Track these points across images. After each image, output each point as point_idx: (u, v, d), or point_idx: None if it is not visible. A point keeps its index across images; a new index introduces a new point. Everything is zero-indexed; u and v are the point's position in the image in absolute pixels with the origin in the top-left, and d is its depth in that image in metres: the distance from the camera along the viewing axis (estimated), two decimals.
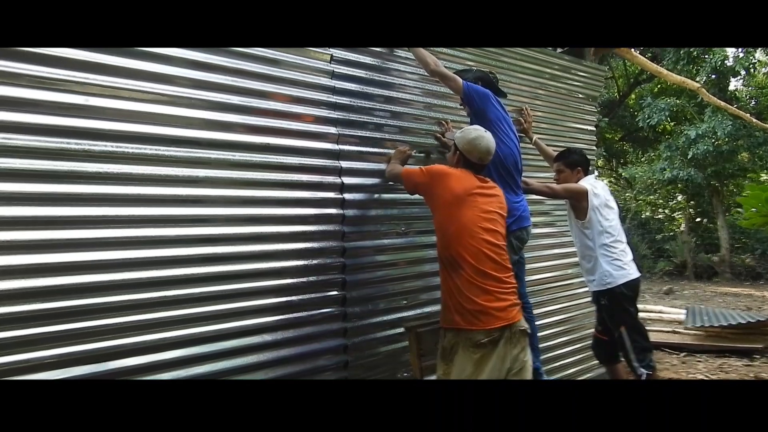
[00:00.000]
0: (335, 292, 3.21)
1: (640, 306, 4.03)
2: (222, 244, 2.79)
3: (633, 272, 3.94)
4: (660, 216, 17.13)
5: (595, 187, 3.93)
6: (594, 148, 5.34)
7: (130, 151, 2.48)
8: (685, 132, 13.02)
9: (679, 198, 16.35)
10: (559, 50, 5.61)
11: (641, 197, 16.53)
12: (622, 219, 14.87)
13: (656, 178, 14.11)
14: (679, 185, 14.40)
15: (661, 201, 16.94)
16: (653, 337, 4.97)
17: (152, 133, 2.56)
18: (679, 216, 16.72)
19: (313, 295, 3.11)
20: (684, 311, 7.88)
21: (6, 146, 2.17)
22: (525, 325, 2.86)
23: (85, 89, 2.38)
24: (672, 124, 15.13)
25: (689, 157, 12.86)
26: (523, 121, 4.43)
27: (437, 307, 3.40)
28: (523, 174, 3.64)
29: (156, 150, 2.56)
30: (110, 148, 2.42)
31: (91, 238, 2.38)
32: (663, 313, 7.97)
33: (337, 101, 3.26)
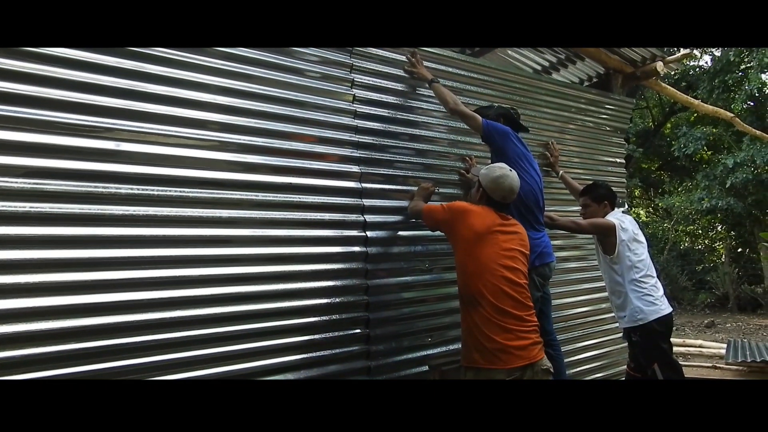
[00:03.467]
0: (359, 330, 3.21)
1: (679, 340, 3.95)
2: (246, 283, 2.83)
3: (665, 308, 3.85)
4: (700, 246, 16.71)
5: (623, 221, 3.87)
6: (623, 180, 5.28)
7: (156, 193, 2.56)
8: (723, 161, 12.76)
9: (719, 228, 15.95)
10: (586, 84, 5.61)
11: (680, 227, 16.18)
12: (661, 250, 14.64)
13: (694, 208, 13.81)
14: (719, 215, 14.06)
15: (700, 231, 16.55)
16: (693, 373, 4.83)
17: (178, 175, 2.64)
18: (720, 246, 16.30)
19: (336, 333, 3.12)
20: (725, 345, 7.62)
21: (38, 191, 2.27)
22: (548, 364, 2.82)
23: (116, 135, 2.47)
24: (709, 152, 14.86)
25: (728, 186, 12.57)
26: (549, 155, 4.42)
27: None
28: (551, 208, 3.63)
29: (181, 192, 2.63)
30: (137, 191, 2.50)
31: (118, 278, 2.45)
32: (703, 348, 7.72)
33: (360, 140, 3.31)
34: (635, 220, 4.14)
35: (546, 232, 3.56)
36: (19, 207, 2.22)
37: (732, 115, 6.86)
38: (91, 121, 2.42)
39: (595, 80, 5.63)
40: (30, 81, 2.29)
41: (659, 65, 5.15)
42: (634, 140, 15.02)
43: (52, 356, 2.26)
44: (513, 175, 2.97)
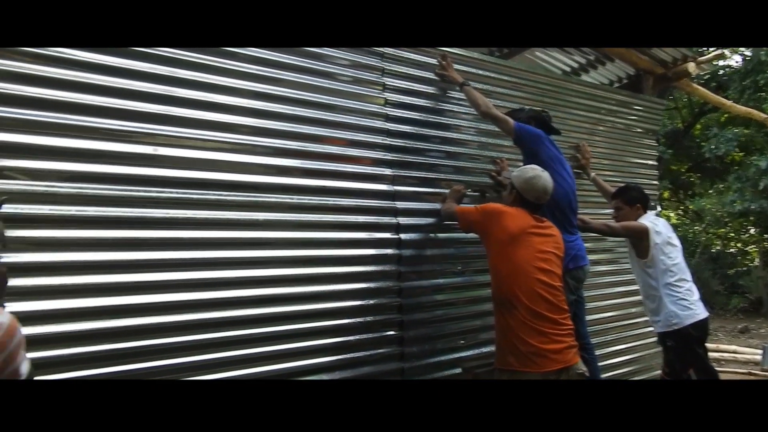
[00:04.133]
0: (392, 332, 3.23)
1: (712, 345, 3.87)
2: (280, 285, 2.86)
3: (700, 312, 3.79)
4: (732, 250, 16.39)
5: (656, 224, 3.82)
6: (656, 182, 5.22)
7: (194, 197, 2.60)
8: (756, 162, 12.51)
9: (752, 231, 15.63)
10: (616, 85, 5.56)
11: (711, 230, 15.89)
12: (692, 253, 14.38)
13: (726, 211, 13.55)
14: (752, 218, 13.78)
15: (732, 234, 16.23)
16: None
17: (214, 179, 2.68)
18: (753, 249, 15.97)
19: (370, 335, 3.14)
20: (761, 351, 7.48)
21: (82, 195, 2.32)
22: (583, 368, 2.81)
23: (153, 140, 2.53)
24: (741, 154, 14.57)
25: (760, 188, 12.32)
26: (580, 157, 4.39)
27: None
28: (583, 211, 3.60)
29: (218, 195, 2.68)
30: (175, 195, 2.55)
31: (156, 281, 2.50)
32: (737, 354, 7.59)
33: (392, 143, 3.33)
34: (668, 223, 4.09)
35: (579, 235, 3.53)
36: (65, 210, 2.28)
37: (766, 116, 6.74)
38: (131, 127, 2.47)
39: (625, 81, 5.59)
40: (72, 88, 2.35)
41: (691, 66, 5.09)
42: (664, 141, 14.78)
43: (95, 356, 2.31)
44: (546, 175, 2.96)
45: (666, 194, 17.42)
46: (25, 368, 1.69)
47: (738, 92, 12.96)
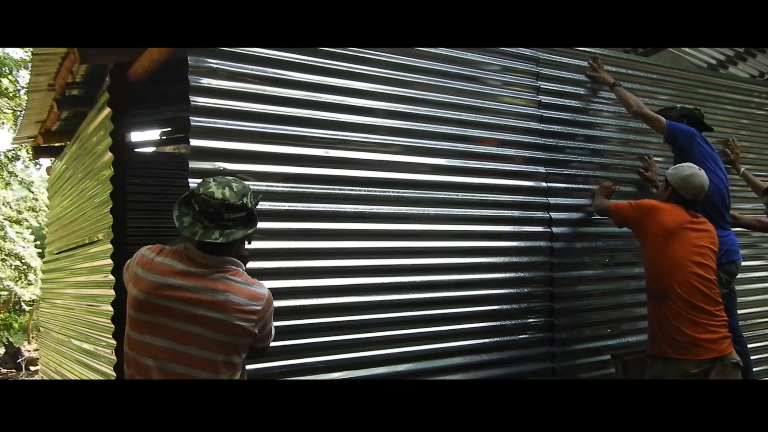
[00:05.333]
0: (544, 319, 3.48)
1: None
2: (441, 273, 3.19)
3: None
4: None
5: None
6: None
7: (376, 193, 3.00)
8: None
9: None
10: (767, 77, 5.42)
11: None
12: None
13: None
14: None
15: None
16: None
17: (394, 178, 3.06)
18: None
19: (523, 321, 3.41)
20: None
21: (292, 193, 2.78)
22: (737, 357, 2.92)
23: (348, 146, 2.94)
24: None
25: None
26: (729, 152, 4.39)
27: (639, 337, 3.55)
28: (733, 206, 3.66)
29: (396, 192, 3.06)
30: (364, 192, 2.96)
31: (345, 266, 2.91)
32: None
33: (545, 143, 3.57)
34: None
35: (732, 231, 3.60)
36: (279, 206, 2.74)
37: None
38: (330, 134, 2.90)
39: None
40: (281, 103, 2.80)
41: None
42: None
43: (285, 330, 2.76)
44: (702, 173, 3.08)
45: None
46: (273, 331, 2.13)
47: None
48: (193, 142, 2.56)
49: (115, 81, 3.43)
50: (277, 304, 2.11)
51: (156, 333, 1.88)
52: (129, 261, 2.04)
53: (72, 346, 4.53)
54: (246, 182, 2.08)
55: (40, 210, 15.28)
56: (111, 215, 3.37)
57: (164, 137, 6.30)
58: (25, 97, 5.27)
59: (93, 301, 3.79)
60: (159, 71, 3.25)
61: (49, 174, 6.09)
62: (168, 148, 6.86)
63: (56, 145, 5.50)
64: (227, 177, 2.03)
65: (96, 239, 3.81)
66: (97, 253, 3.69)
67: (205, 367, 1.89)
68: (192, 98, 2.57)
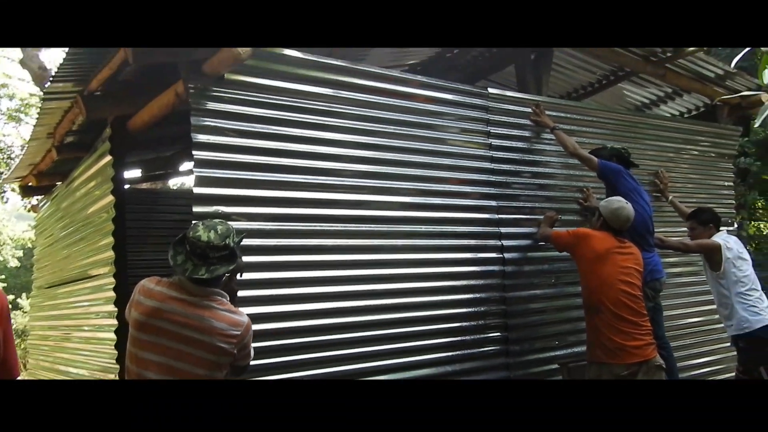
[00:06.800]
0: (499, 334, 3.98)
1: None
2: (407, 296, 3.66)
3: None
4: None
5: (728, 241, 4.37)
6: (732, 201, 5.71)
7: (349, 229, 3.48)
8: None
9: None
10: (693, 113, 6.10)
11: None
12: None
13: None
14: None
15: None
16: None
17: (364, 215, 3.55)
18: None
19: (480, 336, 3.91)
20: None
21: (277, 230, 3.24)
22: (660, 361, 3.45)
23: (328, 188, 3.42)
24: None
25: None
26: (659, 182, 5.00)
27: (584, 348, 4.07)
28: (662, 230, 4.23)
29: (366, 227, 3.55)
30: (338, 228, 3.44)
31: (326, 292, 3.37)
32: None
33: (496, 179, 4.12)
34: (746, 240, 4.62)
35: (656, 252, 4.17)
36: (268, 242, 3.20)
37: None
38: (308, 179, 3.38)
39: (702, 110, 6.10)
40: (268, 154, 3.28)
41: (764, 96, 5.56)
42: (753, 151, 14.71)
43: (288, 347, 3.20)
44: (629, 207, 3.62)
45: (759, 204, 17.15)
46: (252, 352, 2.51)
47: None
48: (197, 190, 3.01)
49: (116, 131, 3.86)
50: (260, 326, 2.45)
51: (153, 350, 2.24)
52: (133, 294, 2.39)
53: (65, 372, 4.86)
54: (230, 223, 2.42)
55: (4, 243, 15.36)
56: (113, 252, 3.77)
57: (149, 174, 6.72)
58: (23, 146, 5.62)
59: (98, 331, 4.14)
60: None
61: (36, 212, 6.41)
62: (146, 185, 7.29)
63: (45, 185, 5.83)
64: (215, 220, 2.39)
65: (95, 274, 4.19)
66: (100, 286, 4.06)
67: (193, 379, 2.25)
68: (195, 152, 3.03)
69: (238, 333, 2.32)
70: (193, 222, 2.38)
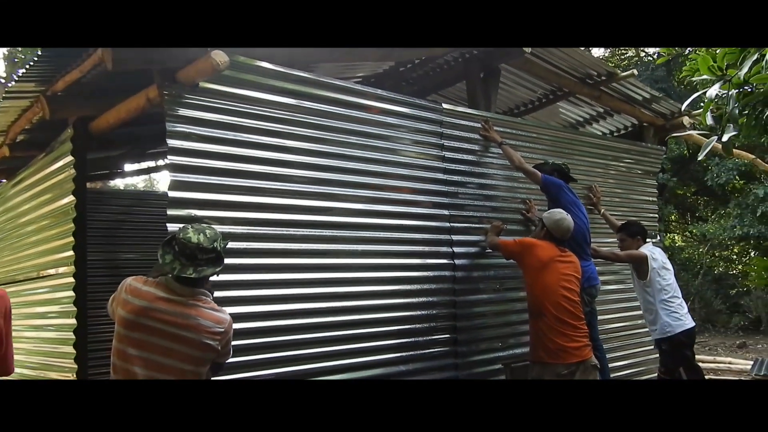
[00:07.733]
0: (448, 335, 4.23)
1: (710, 357, 4.72)
2: (362, 299, 3.86)
3: (689, 322, 4.73)
4: (734, 271, 17.25)
5: (654, 252, 4.80)
6: (656, 215, 6.21)
7: (309, 234, 3.64)
8: (754, 190, 13.44)
9: (753, 254, 16.48)
10: (623, 133, 6.59)
11: (715, 253, 16.77)
12: (696, 274, 15.23)
13: (728, 235, 14.46)
14: (752, 242, 14.67)
15: (734, 257, 17.10)
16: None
17: (323, 221, 3.72)
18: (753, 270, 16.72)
19: (432, 337, 4.14)
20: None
21: (248, 234, 3.36)
22: (595, 361, 3.79)
23: (304, 197, 3.57)
24: (742, 182, 15.50)
25: (759, 214, 13.24)
26: (592, 197, 5.40)
27: (525, 349, 4.38)
28: (596, 240, 4.60)
29: (318, 233, 3.72)
30: (300, 233, 3.60)
31: (286, 294, 3.52)
32: (732, 365, 8.48)
33: (448, 190, 4.37)
34: (663, 251, 5.07)
35: (593, 261, 4.53)
36: (238, 245, 3.32)
37: (753, 156, 7.74)
38: (272, 185, 3.52)
39: (630, 129, 6.61)
40: (237, 160, 3.40)
41: (686, 119, 6.11)
42: (670, 167, 15.71)
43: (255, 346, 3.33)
44: (569, 218, 3.95)
45: (672, 217, 18.30)
46: (231, 349, 2.64)
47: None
48: (171, 194, 3.11)
49: (78, 132, 3.87)
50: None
51: (140, 347, 2.35)
52: (115, 293, 2.48)
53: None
54: (213, 227, 2.58)
55: None
56: (73, 251, 3.78)
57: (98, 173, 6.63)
58: None
59: (58, 331, 4.09)
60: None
61: None
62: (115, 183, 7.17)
63: None
64: (203, 224, 2.54)
65: (50, 273, 4.16)
66: (58, 285, 4.03)
67: (178, 375, 2.37)
68: (170, 157, 3.13)
69: (222, 330, 2.45)
70: (182, 225, 2.51)
